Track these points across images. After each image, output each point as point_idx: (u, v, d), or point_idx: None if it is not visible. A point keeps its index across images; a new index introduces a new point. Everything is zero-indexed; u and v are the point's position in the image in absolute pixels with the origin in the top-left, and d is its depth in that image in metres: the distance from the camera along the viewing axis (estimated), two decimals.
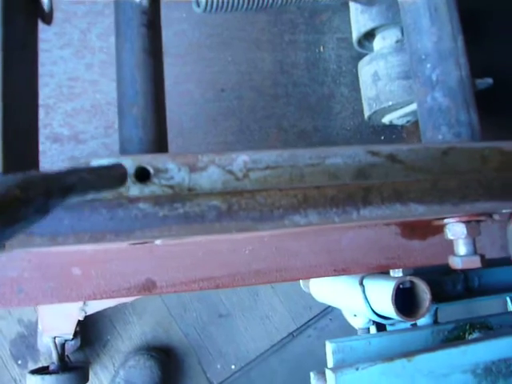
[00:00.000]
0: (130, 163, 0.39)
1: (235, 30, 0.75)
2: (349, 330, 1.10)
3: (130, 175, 0.39)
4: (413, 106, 0.66)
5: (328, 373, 0.62)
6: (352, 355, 0.69)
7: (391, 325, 0.82)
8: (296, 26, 0.77)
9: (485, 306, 0.96)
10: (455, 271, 0.89)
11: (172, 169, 0.39)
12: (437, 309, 0.82)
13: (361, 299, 0.77)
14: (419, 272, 0.84)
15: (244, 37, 0.74)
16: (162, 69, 0.49)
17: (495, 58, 0.77)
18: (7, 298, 0.61)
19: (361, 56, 0.76)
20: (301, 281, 1.04)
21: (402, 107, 0.67)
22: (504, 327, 0.81)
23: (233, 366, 1.82)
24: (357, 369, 0.62)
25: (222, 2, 0.51)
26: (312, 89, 0.75)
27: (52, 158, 0.65)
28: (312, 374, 0.67)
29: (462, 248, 0.55)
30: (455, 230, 0.55)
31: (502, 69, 0.73)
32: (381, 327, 0.95)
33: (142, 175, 0.39)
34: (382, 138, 0.76)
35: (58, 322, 1.46)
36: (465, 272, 0.87)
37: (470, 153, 0.47)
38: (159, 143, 0.46)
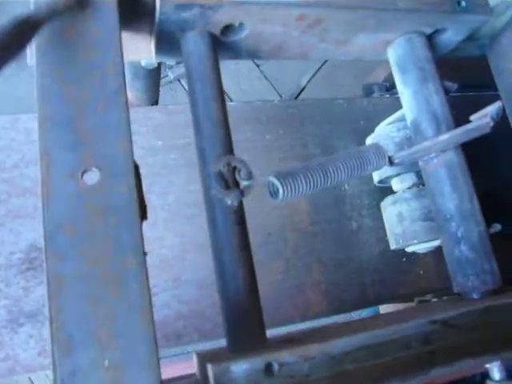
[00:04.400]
0: (259, 361, 0.49)
1: None
2: None
3: (261, 371, 0.49)
4: (434, 243, 0.79)
5: None
6: None
7: None
8: None
9: None
10: None
11: (291, 361, 0.50)
12: None
13: None
14: None
15: None
16: (252, 259, 0.60)
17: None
18: None
19: (378, 189, 0.90)
20: None
21: (424, 243, 0.80)
22: None
23: None
24: None
25: (297, 190, 0.62)
26: (343, 224, 0.87)
27: None
28: None
29: (496, 374, 0.66)
30: None
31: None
32: None
33: (269, 370, 0.49)
34: (404, 259, 0.89)
35: None
36: None
37: (504, 306, 0.60)
38: (259, 319, 0.56)
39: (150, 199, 0.81)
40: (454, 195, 0.69)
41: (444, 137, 0.66)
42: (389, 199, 0.84)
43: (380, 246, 0.88)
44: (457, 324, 0.57)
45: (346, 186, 0.90)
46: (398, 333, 0.54)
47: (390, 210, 0.83)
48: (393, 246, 0.84)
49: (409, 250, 0.84)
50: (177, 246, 0.79)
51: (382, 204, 0.86)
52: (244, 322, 0.55)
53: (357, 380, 0.51)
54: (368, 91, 1.05)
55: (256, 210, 0.83)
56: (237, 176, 0.59)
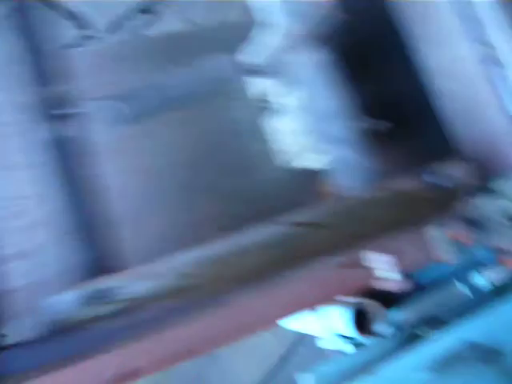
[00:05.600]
0: (83, 292, 0.45)
1: None
2: None
3: (89, 299, 0.45)
4: (324, 157, 0.74)
5: None
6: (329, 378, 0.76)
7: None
8: None
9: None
10: None
11: (121, 286, 0.46)
12: (389, 315, 0.90)
13: (326, 325, 0.85)
14: None
15: None
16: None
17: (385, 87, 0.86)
18: None
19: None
20: None
21: (309, 156, 0.75)
22: (452, 317, 0.89)
23: None
24: None
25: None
26: (233, 148, 0.82)
27: None
28: None
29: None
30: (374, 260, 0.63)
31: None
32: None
33: (97, 297, 0.45)
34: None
35: None
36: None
37: (366, 200, 0.56)
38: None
39: None
40: (320, 95, 0.65)
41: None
42: (271, 115, 0.79)
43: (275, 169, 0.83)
44: (320, 223, 0.53)
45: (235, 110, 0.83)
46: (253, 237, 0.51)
47: (272, 125, 0.79)
48: (281, 163, 0.80)
49: (299, 165, 0.79)
50: None
51: (266, 122, 0.81)
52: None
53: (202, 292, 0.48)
54: None
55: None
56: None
